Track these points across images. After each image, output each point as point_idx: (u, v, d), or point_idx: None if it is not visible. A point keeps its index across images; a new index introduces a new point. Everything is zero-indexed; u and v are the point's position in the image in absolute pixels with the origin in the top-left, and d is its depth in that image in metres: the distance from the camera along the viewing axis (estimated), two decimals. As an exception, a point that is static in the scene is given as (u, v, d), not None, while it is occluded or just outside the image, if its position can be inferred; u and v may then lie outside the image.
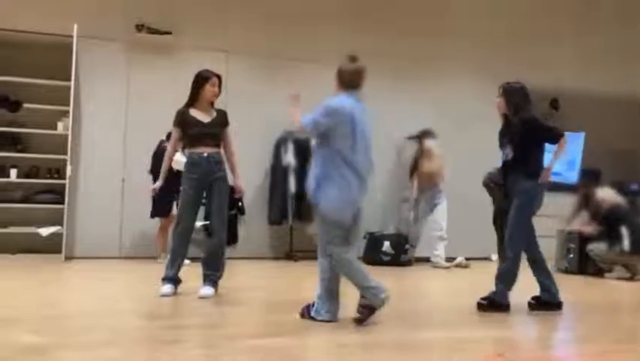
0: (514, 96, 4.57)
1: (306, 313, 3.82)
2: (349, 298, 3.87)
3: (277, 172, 8.02)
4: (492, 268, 8.20)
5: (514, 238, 4.45)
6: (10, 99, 7.38)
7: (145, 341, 3.37)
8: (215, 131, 4.77)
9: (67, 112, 7.19)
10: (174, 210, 6.66)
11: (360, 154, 3.77)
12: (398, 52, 8.77)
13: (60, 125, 7.38)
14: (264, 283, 6.12)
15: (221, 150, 4.84)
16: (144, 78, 7.77)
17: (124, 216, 7.66)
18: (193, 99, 4.74)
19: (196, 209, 4.80)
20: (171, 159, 4.93)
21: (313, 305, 3.80)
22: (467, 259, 8.06)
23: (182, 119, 4.73)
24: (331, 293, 3.78)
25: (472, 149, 8.73)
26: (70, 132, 7.19)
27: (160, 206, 6.92)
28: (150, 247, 7.33)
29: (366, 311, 3.71)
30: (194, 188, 4.69)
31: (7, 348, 2.97)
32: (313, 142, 4.06)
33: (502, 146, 4.67)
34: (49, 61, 7.34)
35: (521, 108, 4.53)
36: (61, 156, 7.19)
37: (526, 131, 4.47)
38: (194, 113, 4.74)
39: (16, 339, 3.17)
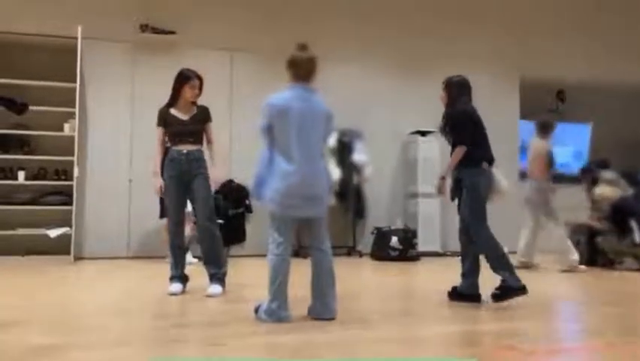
0: (452, 89, 4.68)
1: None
2: (343, 298, 3.86)
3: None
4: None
5: (474, 227, 4.45)
6: (16, 102, 7.35)
7: (154, 340, 3.38)
8: (194, 129, 4.74)
9: (74, 114, 7.22)
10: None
11: (302, 148, 3.66)
12: (403, 47, 8.76)
13: (66, 126, 7.41)
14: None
15: (202, 148, 4.81)
16: (149, 78, 7.78)
17: (131, 216, 7.69)
18: (173, 98, 4.75)
19: (181, 203, 4.78)
20: (161, 159, 4.82)
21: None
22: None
23: (164, 118, 4.76)
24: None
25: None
26: (76, 134, 7.22)
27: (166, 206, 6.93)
28: (158, 246, 7.35)
29: (258, 307, 3.78)
30: (174, 185, 4.70)
31: (18, 349, 2.99)
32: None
33: (444, 137, 4.74)
34: (54, 63, 7.38)
35: (456, 101, 4.61)
36: (69, 158, 7.22)
37: (455, 122, 4.55)
38: (174, 111, 4.75)
39: (26, 340, 3.19)
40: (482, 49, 9.11)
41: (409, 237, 8.05)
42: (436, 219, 8.56)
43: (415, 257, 7.97)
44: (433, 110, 9.06)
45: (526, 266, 7.02)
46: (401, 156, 8.89)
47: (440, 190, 4.61)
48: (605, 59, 9.70)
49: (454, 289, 4.60)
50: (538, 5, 9.64)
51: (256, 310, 3.79)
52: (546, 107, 9.75)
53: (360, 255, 8.30)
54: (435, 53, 8.89)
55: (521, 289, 4.36)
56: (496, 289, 4.40)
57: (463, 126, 4.52)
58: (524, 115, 9.49)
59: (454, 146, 4.55)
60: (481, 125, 4.62)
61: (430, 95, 9.20)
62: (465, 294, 4.53)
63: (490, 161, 4.60)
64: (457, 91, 4.66)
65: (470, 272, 4.55)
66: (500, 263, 4.39)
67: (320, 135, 3.78)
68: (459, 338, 3.45)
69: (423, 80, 8.91)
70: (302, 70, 3.74)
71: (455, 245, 8.45)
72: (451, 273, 6.79)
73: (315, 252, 3.84)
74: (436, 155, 8.53)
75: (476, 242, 4.47)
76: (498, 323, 3.90)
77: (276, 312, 3.67)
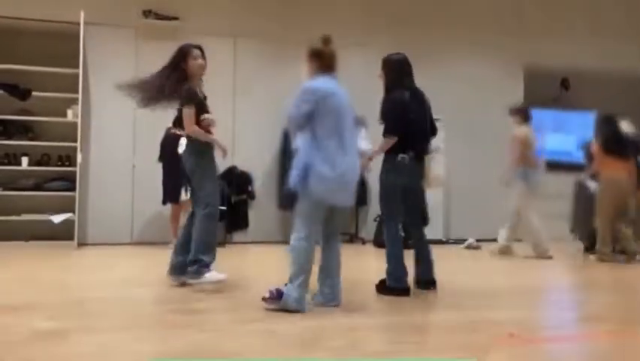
0: (391, 70, 4.48)
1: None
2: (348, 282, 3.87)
3: (286, 156, 8.02)
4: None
5: (384, 212, 4.45)
6: (19, 87, 7.40)
7: (158, 325, 3.41)
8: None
9: (77, 99, 7.21)
10: (183, 197, 6.68)
11: (348, 132, 3.68)
12: (406, 36, 8.71)
13: (70, 112, 7.40)
14: (274, 267, 6.16)
15: None
16: (152, 64, 7.64)
17: (134, 202, 7.70)
18: (186, 77, 4.46)
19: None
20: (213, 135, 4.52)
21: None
22: (478, 240, 8.06)
23: (197, 98, 4.45)
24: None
25: (489, 130, 8.71)
26: (79, 120, 7.22)
27: (169, 192, 6.96)
28: (161, 232, 7.38)
29: (275, 297, 3.59)
30: (214, 169, 4.50)
31: (23, 333, 3.02)
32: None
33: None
34: (57, 48, 7.35)
35: (395, 84, 4.42)
36: (72, 144, 7.23)
37: (382, 110, 4.40)
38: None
39: (30, 324, 3.21)
40: (485, 38, 9.05)
41: (411, 224, 8.05)
42: (439, 208, 8.56)
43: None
44: (437, 99, 9.01)
45: (506, 252, 7.07)
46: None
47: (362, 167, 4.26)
48: (609, 46, 9.62)
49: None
50: (544, -8, 9.57)
51: (272, 297, 3.60)
52: (550, 95, 9.71)
53: (363, 242, 8.32)
54: (438, 42, 8.84)
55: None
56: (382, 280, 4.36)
57: (388, 115, 4.35)
58: (529, 103, 9.45)
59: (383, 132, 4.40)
60: (408, 115, 4.36)
61: (433, 85, 9.15)
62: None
63: (418, 152, 4.42)
64: (397, 71, 4.46)
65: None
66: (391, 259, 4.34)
67: (352, 124, 3.82)
68: (459, 325, 3.46)
69: (426, 70, 8.83)
70: (330, 62, 3.77)
71: (458, 233, 8.51)
72: (452, 261, 6.82)
73: (332, 240, 3.83)
74: (439, 143, 8.51)
75: (384, 233, 4.43)
76: (497, 311, 3.92)
77: (304, 300, 3.61)
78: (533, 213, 6.93)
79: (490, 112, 8.82)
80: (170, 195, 6.97)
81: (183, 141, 5.00)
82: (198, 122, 4.42)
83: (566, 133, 9.64)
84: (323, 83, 3.71)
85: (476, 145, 8.86)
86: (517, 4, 9.36)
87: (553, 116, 10.01)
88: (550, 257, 6.81)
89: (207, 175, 4.43)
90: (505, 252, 7.07)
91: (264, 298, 3.64)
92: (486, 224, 8.47)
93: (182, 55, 4.51)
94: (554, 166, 8.34)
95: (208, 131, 4.48)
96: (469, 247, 7.90)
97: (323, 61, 3.76)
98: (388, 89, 4.45)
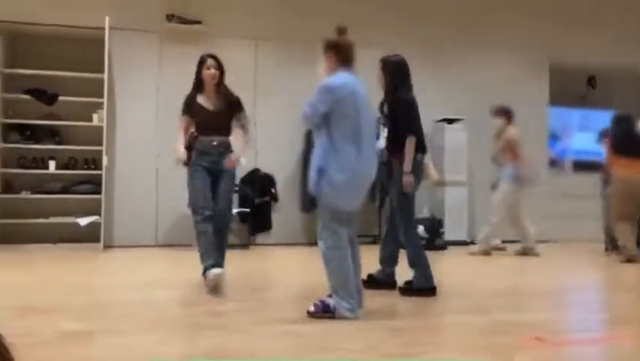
0: (392, 71, 4.44)
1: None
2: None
3: (308, 159, 8.02)
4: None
5: (401, 215, 4.36)
6: (46, 92, 7.53)
7: (183, 326, 3.44)
8: (222, 120, 4.63)
9: (102, 104, 7.32)
10: None
11: (367, 133, 3.52)
12: (429, 33, 8.66)
13: (95, 116, 7.51)
14: (297, 269, 6.17)
15: (230, 137, 4.69)
16: (175, 68, 7.83)
17: (159, 204, 7.78)
18: (197, 85, 4.66)
19: (206, 192, 4.59)
20: (183, 145, 4.68)
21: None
22: (503, 241, 7.96)
23: (189, 106, 4.67)
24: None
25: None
26: (105, 124, 7.32)
27: None
28: (185, 234, 7.44)
29: (321, 310, 3.47)
30: (201, 174, 4.56)
31: (49, 335, 3.06)
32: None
33: (384, 123, 4.56)
34: (82, 54, 7.46)
35: (397, 85, 4.40)
36: (97, 147, 7.33)
37: (396, 110, 4.38)
38: (200, 100, 4.66)
39: (57, 325, 3.26)
40: (510, 35, 8.95)
41: (435, 226, 8.01)
42: (463, 208, 8.49)
43: (442, 246, 7.93)
44: (460, 97, 9.00)
45: (526, 253, 7.22)
46: (427, 143, 8.80)
47: (408, 186, 4.29)
48: (637, 43, 9.45)
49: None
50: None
51: (325, 310, 3.46)
52: (577, 93, 9.56)
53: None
54: (462, 39, 8.77)
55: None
56: (406, 283, 4.38)
57: (408, 115, 4.36)
58: (554, 102, 9.33)
59: (395, 133, 4.39)
60: (419, 114, 4.46)
61: (458, 83, 9.12)
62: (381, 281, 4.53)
63: (424, 150, 4.49)
64: (398, 74, 4.44)
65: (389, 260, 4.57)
66: (420, 261, 4.33)
67: (372, 124, 3.67)
68: (483, 328, 3.42)
69: (450, 67, 8.81)
70: (348, 54, 3.56)
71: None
72: (477, 262, 6.76)
73: (352, 244, 3.64)
74: (462, 143, 8.45)
75: (401, 233, 4.37)
76: (521, 313, 3.87)
77: (356, 306, 3.51)
78: (524, 211, 7.18)
79: (514, 110, 8.73)
80: None
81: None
82: (188, 130, 4.66)
83: (593, 132, 9.49)
84: (342, 81, 3.48)
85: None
86: (544, 3, 9.23)
87: (579, 115, 9.87)
88: (537, 255, 7.06)
89: (189, 182, 4.59)
90: (488, 253, 7.19)
91: (309, 312, 3.50)
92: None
93: (198, 64, 4.69)
94: (581, 166, 8.23)
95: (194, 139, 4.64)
96: (495, 249, 7.81)
97: (339, 53, 3.55)
98: (391, 90, 4.43)
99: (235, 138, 4.74)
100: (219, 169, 4.60)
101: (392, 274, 4.57)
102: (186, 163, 4.62)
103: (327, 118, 3.44)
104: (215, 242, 4.49)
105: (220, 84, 4.66)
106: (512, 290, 4.72)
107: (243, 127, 4.74)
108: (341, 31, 3.61)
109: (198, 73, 4.66)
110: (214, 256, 4.44)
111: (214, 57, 4.67)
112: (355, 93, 3.49)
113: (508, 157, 7.12)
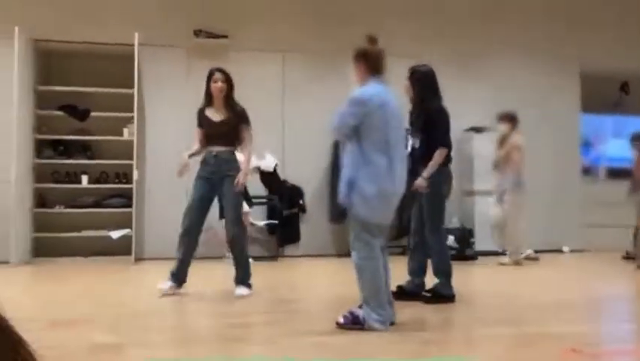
0: (421, 81, 4.44)
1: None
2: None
3: (336, 170, 8.01)
4: (562, 260, 7.98)
5: (431, 225, 4.37)
6: (78, 108, 7.69)
7: (213, 338, 3.44)
8: (225, 130, 4.71)
9: (132, 118, 7.43)
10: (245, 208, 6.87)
11: (397, 144, 3.49)
12: (457, 43, 8.60)
13: (125, 131, 7.63)
14: (326, 280, 6.14)
15: (234, 149, 4.80)
16: (203, 81, 7.88)
17: (189, 217, 7.84)
18: (206, 98, 4.83)
19: (204, 204, 4.73)
20: (189, 154, 4.81)
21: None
22: (536, 251, 7.81)
23: (199, 119, 4.83)
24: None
25: (544, 138, 8.48)
26: (135, 138, 7.43)
27: None
28: (214, 247, 7.49)
29: (350, 321, 3.42)
30: (199, 185, 4.69)
31: (82, 347, 3.09)
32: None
33: (412, 133, 4.56)
34: (113, 70, 7.60)
35: (428, 96, 4.41)
36: (128, 161, 7.43)
37: (432, 120, 4.38)
38: (208, 112, 4.80)
39: (89, 338, 3.29)
40: (540, 41, 8.83)
41: (465, 236, 7.91)
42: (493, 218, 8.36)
43: (473, 256, 7.82)
44: (489, 106, 8.88)
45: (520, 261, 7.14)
46: (456, 153, 8.66)
47: (419, 189, 4.35)
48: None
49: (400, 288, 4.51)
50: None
51: (355, 322, 3.42)
52: (610, 100, 9.38)
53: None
54: (491, 47, 8.69)
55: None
56: (427, 291, 4.41)
57: (442, 126, 4.42)
58: (586, 108, 9.16)
59: (427, 144, 4.40)
60: (450, 126, 4.52)
61: (486, 91, 9.02)
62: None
63: (451, 161, 4.57)
64: (429, 85, 4.46)
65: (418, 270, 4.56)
66: (445, 268, 4.38)
67: (403, 133, 3.67)
68: (518, 340, 3.35)
69: (478, 76, 8.73)
70: (378, 63, 3.52)
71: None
72: (509, 273, 6.63)
73: (383, 254, 3.58)
74: (492, 152, 8.33)
75: (430, 242, 4.39)
76: (554, 324, 3.77)
77: (388, 318, 3.47)
78: (524, 222, 7.10)
79: (545, 118, 8.60)
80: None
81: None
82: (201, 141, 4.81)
83: (627, 139, 9.28)
84: (373, 91, 3.44)
85: (528, 153, 8.60)
86: (573, 6, 9.10)
87: (613, 121, 9.68)
88: (520, 264, 6.99)
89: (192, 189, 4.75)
90: (519, 263, 7.09)
91: (338, 324, 3.44)
92: (544, 234, 8.22)
93: (207, 78, 4.84)
94: (615, 173, 8.05)
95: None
96: (527, 259, 7.67)
97: (369, 62, 3.51)
98: (419, 101, 4.47)
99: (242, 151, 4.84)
100: (220, 177, 4.68)
101: (422, 285, 4.54)
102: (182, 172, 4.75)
103: (357, 130, 3.41)
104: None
105: (228, 97, 4.77)
106: (542, 301, 4.61)
107: (244, 139, 4.80)
108: (371, 40, 3.58)
109: (208, 86, 4.80)
110: (182, 270, 4.73)
111: (222, 71, 4.80)
112: (385, 104, 3.45)
113: (511, 164, 7.04)
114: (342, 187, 3.43)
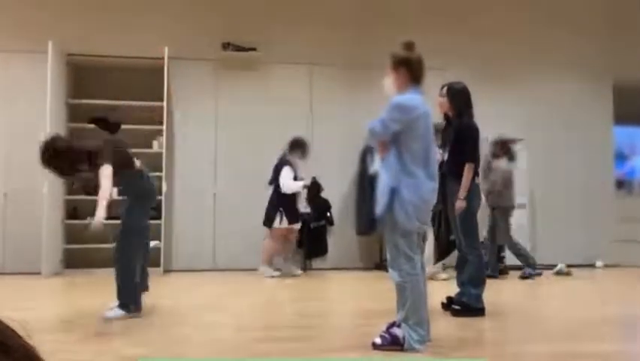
0: (458, 98, 4.54)
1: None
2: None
3: (364, 181, 7.97)
4: (595, 275, 7.80)
5: (467, 241, 4.47)
6: (109, 121, 7.79)
7: (240, 352, 3.41)
8: None
9: (162, 131, 7.50)
10: (276, 224, 7.03)
11: (433, 155, 3.40)
12: (487, 54, 8.52)
13: (155, 143, 7.71)
14: (354, 294, 6.08)
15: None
16: (232, 95, 7.99)
17: (216, 229, 7.87)
18: None
19: None
20: None
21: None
22: (568, 266, 7.64)
23: None
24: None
25: (575, 150, 8.34)
26: (164, 150, 7.50)
27: (266, 217, 7.17)
28: (244, 259, 7.49)
29: (389, 343, 3.27)
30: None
31: (112, 360, 3.09)
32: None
33: (443, 147, 4.67)
34: (143, 83, 7.71)
35: (464, 112, 4.52)
36: (157, 174, 7.49)
37: (462, 136, 4.47)
38: None
39: (118, 351, 3.30)
40: (572, 52, 8.70)
41: (495, 250, 7.76)
42: (525, 231, 8.22)
43: (503, 270, 7.67)
44: (518, 118, 8.77)
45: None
46: (487, 167, 8.61)
47: (459, 211, 4.43)
48: None
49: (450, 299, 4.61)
50: (631, 3, 9.11)
51: (394, 342, 3.28)
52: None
53: (444, 267, 8.07)
54: (521, 58, 8.59)
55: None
56: (447, 298, 4.57)
57: (473, 142, 4.51)
58: (619, 120, 8.97)
59: (456, 158, 4.48)
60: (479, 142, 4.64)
61: (516, 104, 8.91)
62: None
63: (478, 174, 4.61)
64: (465, 101, 4.58)
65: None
66: (478, 280, 4.48)
67: (434, 145, 3.58)
68: (553, 358, 3.25)
69: (509, 86, 8.63)
70: (417, 70, 3.35)
71: (546, 258, 8.11)
72: (542, 287, 6.49)
73: (423, 272, 3.43)
74: (522, 164, 8.21)
75: (469, 257, 4.49)
76: (587, 343, 3.66)
77: (426, 337, 3.35)
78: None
79: (578, 131, 8.45)
80: (265, 219, 7.14)
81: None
82: None
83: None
84: (416, 100, 3.30)
85: (560, 165, 8.48)
86: (605, 16, 8.95)
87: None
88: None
89: None
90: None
91: (375, 345, 3.29)
92: (577, 248, 8.05)
93: None
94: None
95: None
96: (559, 273, 7.51)
97: (411, 70, 3.33)
98: (455, 117, 4.57)
99: None
100: None
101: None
102: None
103: (397, 138, 3.27)
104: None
105: None
106: (575, 317, 4.48)
107: None
108: (409, 46, 3.40)
109: None
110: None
111: None
112: (428, 115, 3.34)
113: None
114: (382, 197, 3.28)
